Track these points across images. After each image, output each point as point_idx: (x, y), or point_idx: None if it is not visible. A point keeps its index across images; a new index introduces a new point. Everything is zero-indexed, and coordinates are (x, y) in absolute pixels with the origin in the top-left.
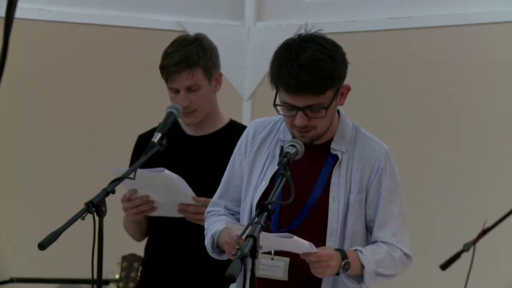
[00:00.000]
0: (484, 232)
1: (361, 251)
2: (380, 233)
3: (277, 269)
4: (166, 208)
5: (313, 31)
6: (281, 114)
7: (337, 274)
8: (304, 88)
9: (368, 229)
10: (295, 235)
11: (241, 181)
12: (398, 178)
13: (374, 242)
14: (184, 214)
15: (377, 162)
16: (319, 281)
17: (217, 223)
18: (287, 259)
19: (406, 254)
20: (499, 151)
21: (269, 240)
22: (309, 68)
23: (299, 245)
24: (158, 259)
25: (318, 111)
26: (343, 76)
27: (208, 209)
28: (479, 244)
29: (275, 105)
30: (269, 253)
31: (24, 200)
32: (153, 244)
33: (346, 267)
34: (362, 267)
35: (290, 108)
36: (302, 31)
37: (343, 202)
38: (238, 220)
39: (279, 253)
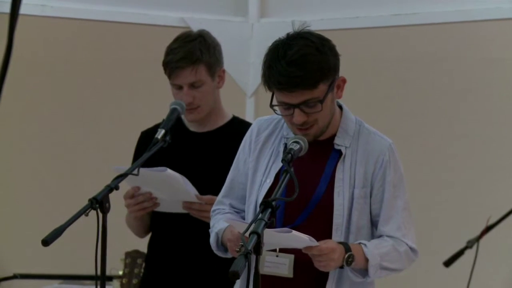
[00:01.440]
0: (488, 228)
1: (365, 244)
2: (385, 227)
3: (282, 266)
4: (170, 205)
5: (300, 28)
6: (279, 115)
7: (341, 267)
8: (296, 84)
9: (374, 224)
10: (300, 231)
11: (245, 179)
12: (402, 172)
13: (379, 237)
14: (189, 211)
15: (381, 156)
16: (324, 277)
17: (221, 221)
18: (292, 256)
19: (411, 248)
20: (503, 147)
21: (269, 236)
22: (298, 63)
23: (299, 239)
24: (161, 255)
25: (314, 105)
26: (334, 68)
27: (213, 208)
28: (482, 240)
29: (271, 106)
30: (274, 250)
31: (27, 196)
32: (156, 240)
33: (350, 260)
34: (367, 260)
35: (287, 107)
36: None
37: (348, 196)
38: (244, 218)
39: (284, 250)
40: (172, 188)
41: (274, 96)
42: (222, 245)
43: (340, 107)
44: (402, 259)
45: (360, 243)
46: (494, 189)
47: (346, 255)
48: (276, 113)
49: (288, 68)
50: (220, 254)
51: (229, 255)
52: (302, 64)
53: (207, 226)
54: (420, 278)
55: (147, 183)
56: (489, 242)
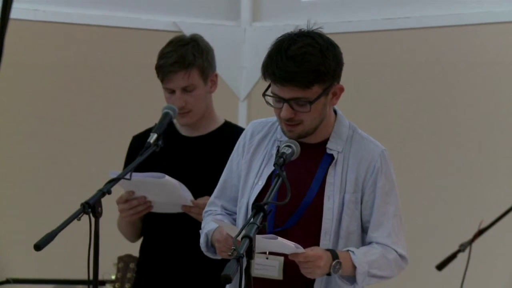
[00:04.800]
0: (480, 232)
1: (353, 252)
2: (375, 233)
3: (271, 268)
4: (164, 206)
5: (314, 28)
6: (269, 105)
7: (329, 274)
8: (289, 79)
9: (364, 230)
10: (290, 234)
11: (238, 181)
12: (394, 179)
13: (369, 243)
14: (188, 213)
15: (373, 162)
16: (313, 280)
17: (212, 223)
18: (282, 258)
19: (401, 255)
20: (496, 151)
21: (256, 241)
22: (296, 60)
23: (285, 246)
24: (153, 259)
25: (304, 105)
26: (333, 74)
27: (205, 209)
28: (475, 244)
29: (264, 94)
30: (264, 252)
31: (20, 200)
32: (148, 244)
33: (337, 267)
34: (355, 268)
35: (278, 99)
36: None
37: (338, 201)
38: (235, 220)
39: (273, 252)
40: (168, 194)
41: (270, 87)
42: (212, 246)
43: (335, 111)
44: (391, 266)
45: (348, 250)
46: (486, 193)
47: (333, 263)
48: (267, 103)
49: (286, 62)
50: (209, 255)
51: (218, 256)
52: (300, 62)
53: (198, 230)
54: (413, 282)
55: (142, 187)
56: (482, 246)
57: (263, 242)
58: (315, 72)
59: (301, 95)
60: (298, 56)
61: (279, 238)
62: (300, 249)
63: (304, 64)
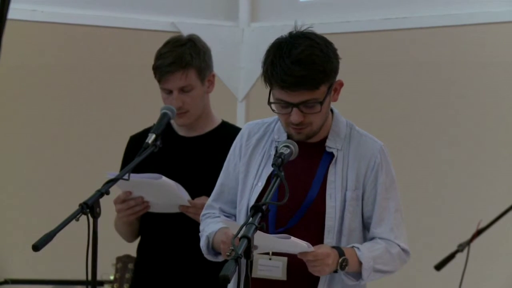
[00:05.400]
0: (479, 232)
1: (358, 248)
2: (377, 229)
3: (275, 269)
4: (161, 207)
5: (303, 29)
6: (275, 112)
7: (335, 271)
8: (299, 84)
9: (366, 226)
10: (293, 233)
11: (235, 183)
12: (394, 174)
13: (371, 239)
14: (185, 213)
15: (373, 158)
16: (317, 280)
17: (212, 225)
18: (285, 259)
19: (404, 250)
20: (495, 150)
21: (267, 241)
22: (303, 63)
23: (297, 245)
24: (151, 259)
25: (313, 106)
26: (335, 71)
27: (203, 212)
28: (474, 244)
29: (269, 103)
30: (267, 253)
31: (18, 201)
32: (146, 244)
33: (343, 264)
34: (360, 263)
35: (285, 105)
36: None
37: (340, 199)
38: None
39: (277, 253)
40: (165, 194)
41: (272, 93)
42: (213, 249)
43: (331, 110)
44: (395, 261)
45: (353, 246)
46: (485, 193)
47: (340, 260)
48: (273, 111)
49: (292, 66)
50: (210, 258)
51: (220, 259)
52: (307, 64)
53: (196, 230)
54: (412, 282)
55: (140, 188)
56: (481, 246)
57: (276, 242)
58: (322, 73)
59: (310, 97)
60: (304, 59)
61: (292, 238)
62: (311, 248)
63: (311, 66)
